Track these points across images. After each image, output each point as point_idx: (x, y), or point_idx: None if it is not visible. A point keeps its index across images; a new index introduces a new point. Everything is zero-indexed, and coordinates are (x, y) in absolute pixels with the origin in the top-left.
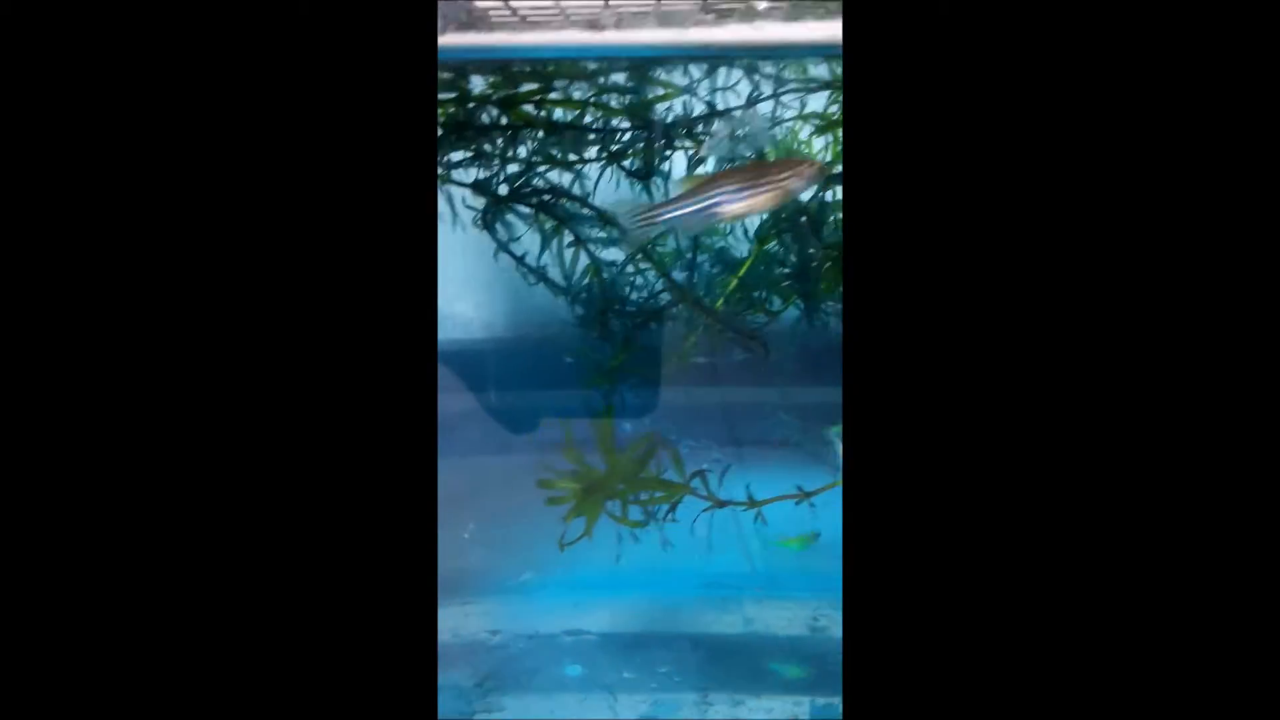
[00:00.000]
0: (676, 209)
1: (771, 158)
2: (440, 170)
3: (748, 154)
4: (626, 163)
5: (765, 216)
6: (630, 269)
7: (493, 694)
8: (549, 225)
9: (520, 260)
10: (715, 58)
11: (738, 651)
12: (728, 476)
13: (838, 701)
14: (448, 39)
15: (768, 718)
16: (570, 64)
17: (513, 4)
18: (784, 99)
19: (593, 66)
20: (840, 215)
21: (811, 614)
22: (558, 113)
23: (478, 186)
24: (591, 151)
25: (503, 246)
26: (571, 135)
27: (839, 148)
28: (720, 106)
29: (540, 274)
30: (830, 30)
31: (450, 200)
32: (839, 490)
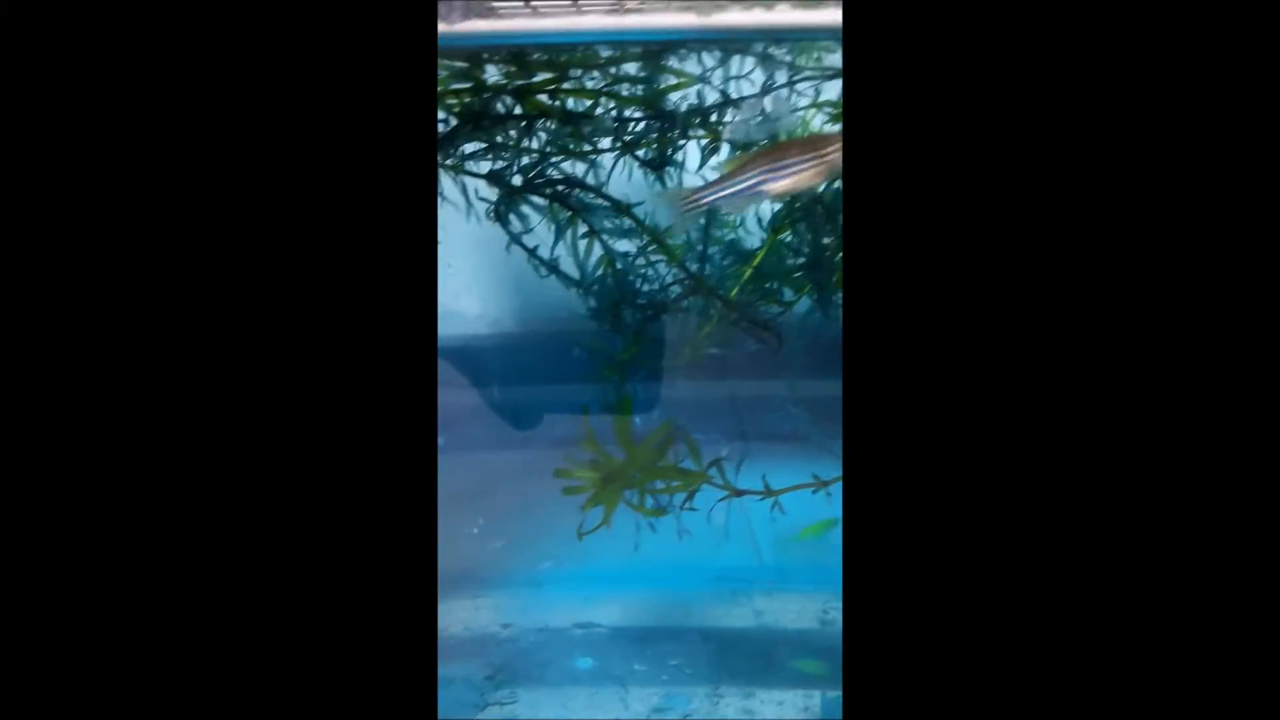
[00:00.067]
0: (721, 190)
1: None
2: (454, 161)
3: (763, 140)
4: (640, 153)
5: (780, 206)
6: (641, 261)
7: (504, 686)
8: (563, 216)
9: (532, 252)
10: (731, 42)
11: (748, 644)
12: (739, 470)
13: None
14: (459, 26)
15: (779, 710)
16: (585, 53)
17: None
18: (798, 87)
19: (608, 54)
20: None
21: (821, 607)
22: (571, 103)
23: (492, 177)
24: (605, 142)
25: (515, 239)
26: (587, 125)
27: None
28: (735, 95)
29: (552, 266)
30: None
31: (465, 191)
32: None
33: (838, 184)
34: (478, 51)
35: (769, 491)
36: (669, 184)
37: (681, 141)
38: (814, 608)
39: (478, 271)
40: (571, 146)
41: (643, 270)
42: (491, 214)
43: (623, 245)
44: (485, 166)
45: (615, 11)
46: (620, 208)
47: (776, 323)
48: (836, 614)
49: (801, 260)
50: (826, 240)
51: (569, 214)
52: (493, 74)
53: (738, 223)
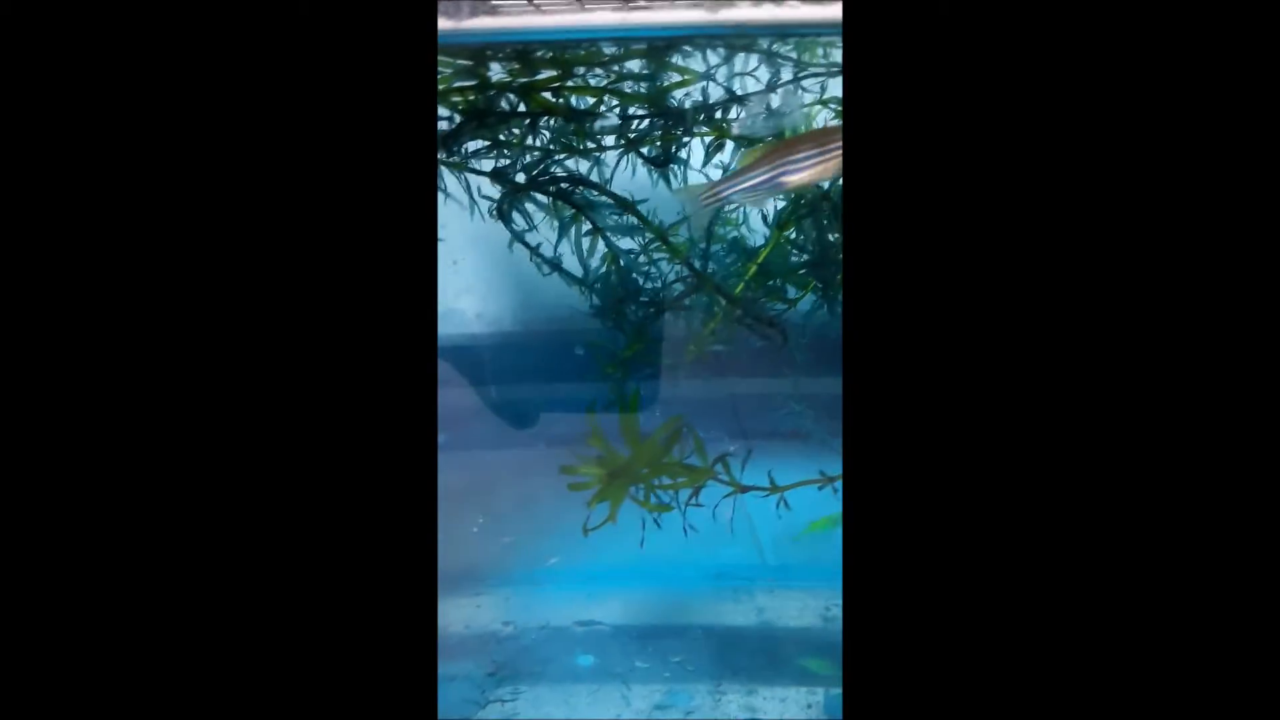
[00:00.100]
0: (740, 183)
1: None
2: (458, 159)
3: (771, 135)
4: (644, 150)
5: (784, 202)
6: (643, 258)
7: (506, 684)
8: (567, 213)
9: (535, 250)
10: (737, 38)
11: (750, 642)
12: (744, 467)
13: None
14: (465, 23)
15: (781, 708)
16: (590, 50)
17: None
18: (805, 82)
19: (612, 51)
20: None
21: (824, 604)
22: (574, 100)
23: (496, 175)
24: (609, 139)
25: (517, 237)
26: (591, 122)
27: None
28: (741, 91)
29: (555, 264)
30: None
31: (469, 189)
32: None
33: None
34: (482, 49)
35: (775, 488)
36: (673, 181)
37: (686, 139)
38: (816, 605)
39: (479, 270)
40: (575, 144)
41: (645, 268)
42: (494, 212)
43: (625, 243)
44: (488, 165)
45: (620, 8)
46: (624, 204)
47: (781, 320)
48: (838, 611)
49: (806, 257)
50: (832, 237)
51: (572, 211)
52: (497, 72)
53: (740, 220)
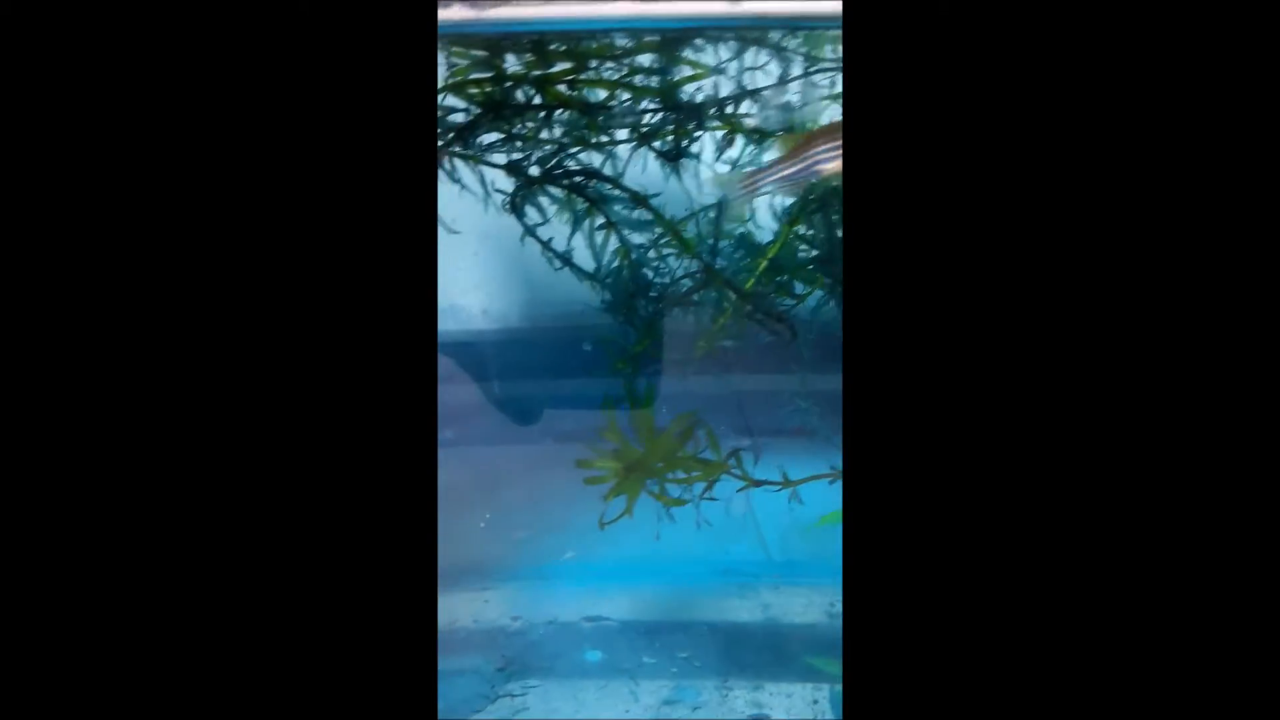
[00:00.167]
0: (777, 173)
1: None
2: (474, 152)
3: (790, 127)
4: (656, 144)
5: (794, 198)
6: (653, 253)
7: (515, 679)
8: (580, 207)
9: (546, 245)
10: (749, 29)
11: (756, 638)
12: (757, 462)
13: None
14: (483, 14)
15: (788, 703)
16: (603, 43)
17: None
18: (815, 77)
19: (626, 44)
20: None
21: (829, 600)
22: (587, 93)
23: (510, 168)
24: (622, 133)
25: (529, 231)
26: (605, 115)
27: None
28: (760, 83)
29: (566, 258)
30: None
31: (483, 181)
32: None
33: None
34: (498, 40)
35: (787, 482)
36: (684, 175)
37: (698, 133)
38: (821, 601)
39: (487, 265)
40: (589, 137)
41: (655, 263)
42: (507, 205)
43: (637, 238)
44: (501, 158)
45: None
46: (638, 199)
47: (790, 315)
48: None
49: (815, 253)
50: (841, 233)
51: (586, 205)
52: (513, 64)
53: (748, 216)
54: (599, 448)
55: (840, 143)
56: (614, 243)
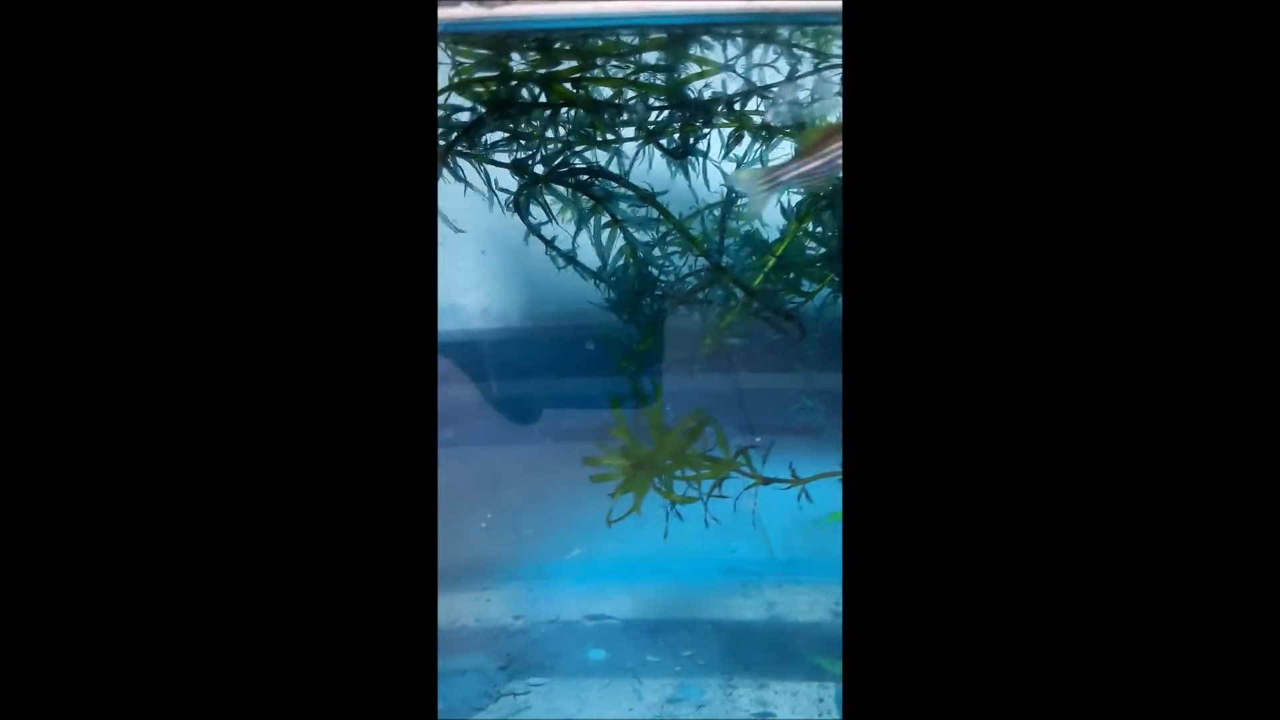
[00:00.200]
0: (799, 167)
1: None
2: (480, 150)
3: (803, 121)
4: (663, 141)
5: (804, 195)
6: (658, 251)
7: (518, 678)
8: (586, 205)
9: (550, 244)
10: (757, 25)
11: (760, 636)
12: (765, 460)
13: None
14: (484, 11)
15: (793, 701)
16: (609, 41)
17: None
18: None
19: (633, 41)
20: None
21: (833, 599)
22: (592, 91)
23: (515, 166)
24: (628, 130)
25: (534, 230)
26: (611, 113)
27: None
28: (775, 78)
29: (570, 257)
30: None
31: (488, 180)
32: None
33: None
34: (503, 39)
35: (796, 479)
36: (691, 173)
37: (706, 130)
38: (826, 600)
39: (488, 265)
40: (594, 135)
41: (661, 261)
42: (510, 205)
43: (642, 236)
44: (506, 157)
45: None
46: (644, 196)
47: (798, 313)
48: None
49: (823, 251)
50: None
51: (592, 203)
52: (519, 63)
53: (767, 211)
54: (606, 445)
55: None
56: (619, 241)
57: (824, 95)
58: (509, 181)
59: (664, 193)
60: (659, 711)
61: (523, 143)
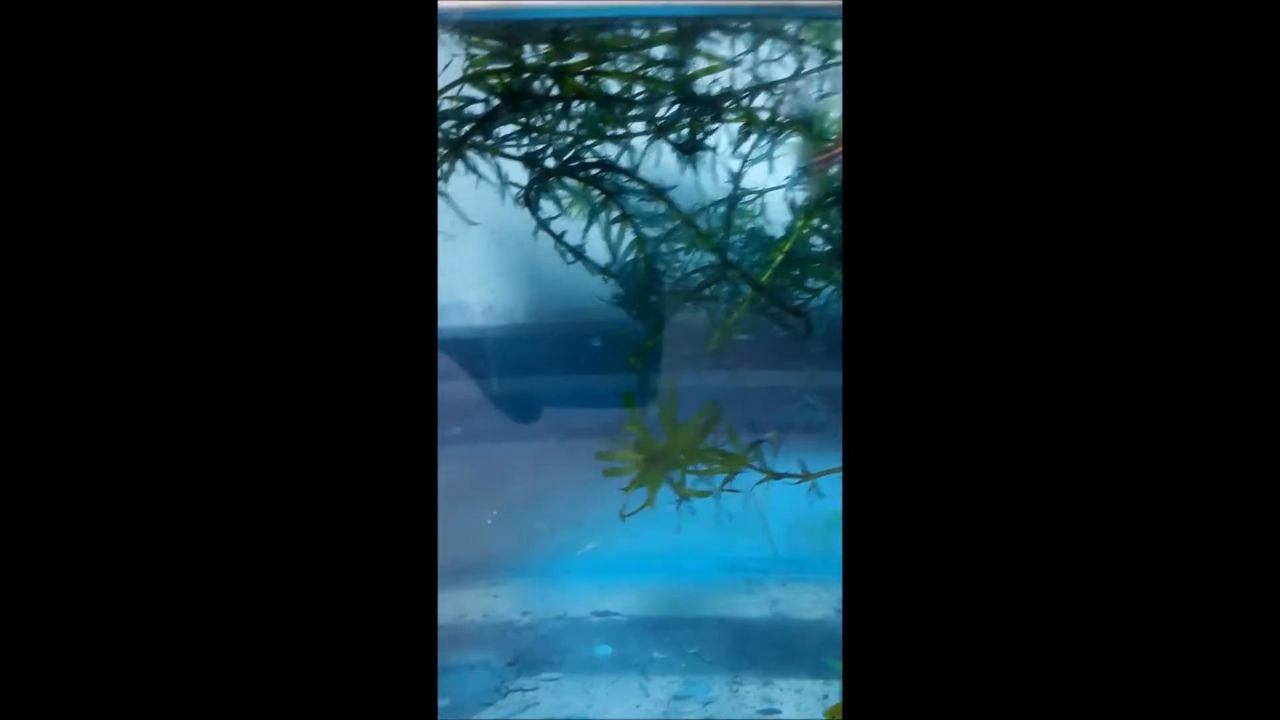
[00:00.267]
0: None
1: None
2: (493, 142)
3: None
4: (672, 136)
5: (811, 191)
6: (674, 244)
7: (526, 674)
8: (597, 199)
9: (559, 238)
10: (765, 19)
11: (766, 634)
12: (776, 455)
13: None
14: (490, 2)
15: (798, 698)
16: (620, 35)
17: None
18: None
19: (644, 34)
20: None
21: (837, 597)
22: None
23: (527, 160)
24: (638, 125)
25: (543, 225)
26: (621, 107)
27: None
28: (769, 77)
29: (579, 252)
30: None
31: (499, 172)
32: None
33: None
34: (515, 31)
35: (805, 475)
36: (700, 169)
37: (714, 125)
38: (829, 598)
39: (497, 260)
40: (605, 130)
41: (667, 256)
42: (520, 199)
43: (652, 231)
44: (516, 151)
45: None
46: (654, 191)
47: (806, 309)
48: None
49: (830, 248)
50: None
51: (602, 197)
52: (530, 56)
53: (758, 211)
54: (619, 439)
55: None
56: (629, 236)
57: (836, 89)
58: (518, 176)
59: (673, 188)
60: (666, 708)
61: (534, 136)
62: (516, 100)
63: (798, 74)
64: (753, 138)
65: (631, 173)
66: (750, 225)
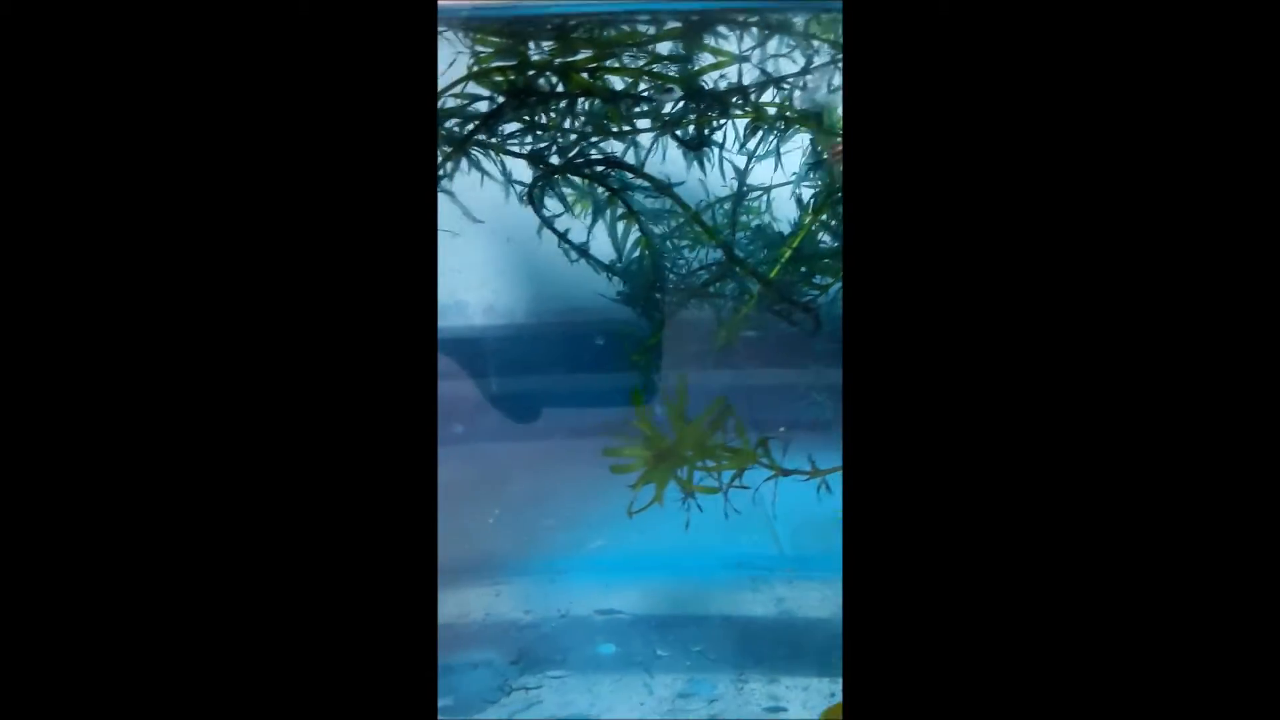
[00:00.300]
0: None
1: None
2: (497, 139)
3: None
4: (678, 132)
5: (821, 185)
6: (679, 241)
7: (529, 672)
8: (603, 196)
9: (563, 236)
10: (771, 12)
11: (771, 631)
12: (785, 451)
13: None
14: None
15: (804, 696)
16: (624, 32)
17: None
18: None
19: (649, 29)
20: None
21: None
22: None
23: (532, 157)
24: (644, 122)
25: (547, 223)
26: (628, 104)
27: None
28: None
29: (583, 250)
30: None
31: (504, 170)
32: None
33: None
34: (521, 27)
35: (816, 471)
36: (708, 165)
37: (721, 121)
38: (834, 596)
39: (501, 259)
40: (610, 126)
41: (672, 253)
42: (524, 197)
43: (657, 228)
44: (521, 149)
45: None
46: (661, 187)
47: (815, 305)
48: None
49: (837, 244)
50: None
51: (607, 194)
52: (535, 53)
53: (763, 209)
54: (627, 436)
55: None
56: (635, 233)
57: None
58: (522, 175)
59: (680, 184)
60: (670, 706)
61: (539, 133)
62: (521, 97)
63: (806, 69)
64: (760, 133)
65: (637, 169)
66: (756, 222)
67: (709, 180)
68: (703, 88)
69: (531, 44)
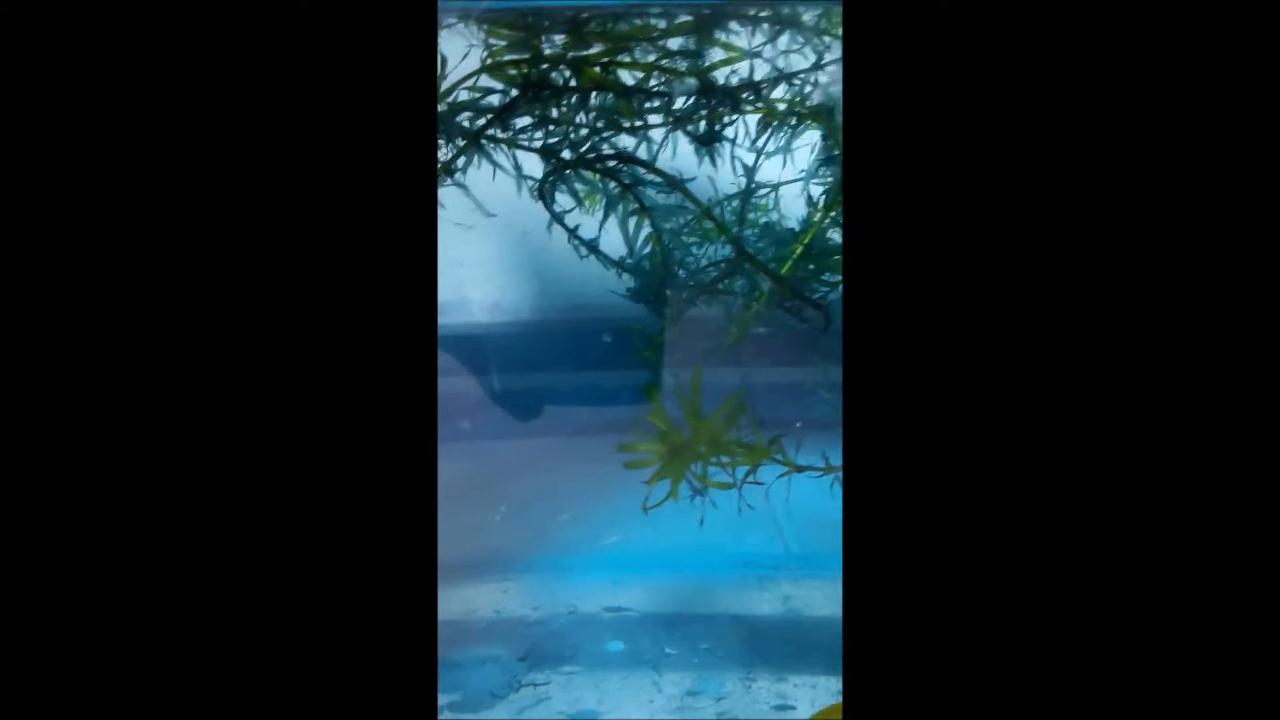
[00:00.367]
0: None
1: None
2: (507, 135)
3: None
4: (689, 127)
5: (831, 181)
6: (689, 236)
7: (537, 669)
8: (614, 191)
9: (573, 232)
10: (781, 5)
11: (778, 630)
12: (799, 448)
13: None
14: None
15: (812, 694)
16: (636, 26)
17: None
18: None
19: (661, 25)
20: None
21: None
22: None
23: (543, 152)
24: (655, 117)
25: (557, 218)
26: (641, 99)
27: None
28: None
29: (593, 246)
30: None
31: (516, 164)
32: None
33: None
34: (534, 21)
35: (829, 467)
36: (718, 160)
37: (732, 117)
38: (840, 595)
39: (507, 255)
40: (622, 121)
41: (682, 250)
42: (535, 193)
43: (668, 224)
44: (534, 143)
45: None
46: (672, 182)
47: (826, 302)
48: None
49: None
50: None
51: (619, 190)
52: (548, 48)
53: (771, 206)
54: (640, 431)
55: None
56: (646, 228)
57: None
58: (533, 169)
59: (692, 179)
60: (679, 704)
61: (551, 128)
62: (534, 91)
63: (818, 64)
64: (771, 128)
65: (649, 164)
66: (764, 219)
67: (718, 177)
68: (714, 83)
69: (544, 37)
